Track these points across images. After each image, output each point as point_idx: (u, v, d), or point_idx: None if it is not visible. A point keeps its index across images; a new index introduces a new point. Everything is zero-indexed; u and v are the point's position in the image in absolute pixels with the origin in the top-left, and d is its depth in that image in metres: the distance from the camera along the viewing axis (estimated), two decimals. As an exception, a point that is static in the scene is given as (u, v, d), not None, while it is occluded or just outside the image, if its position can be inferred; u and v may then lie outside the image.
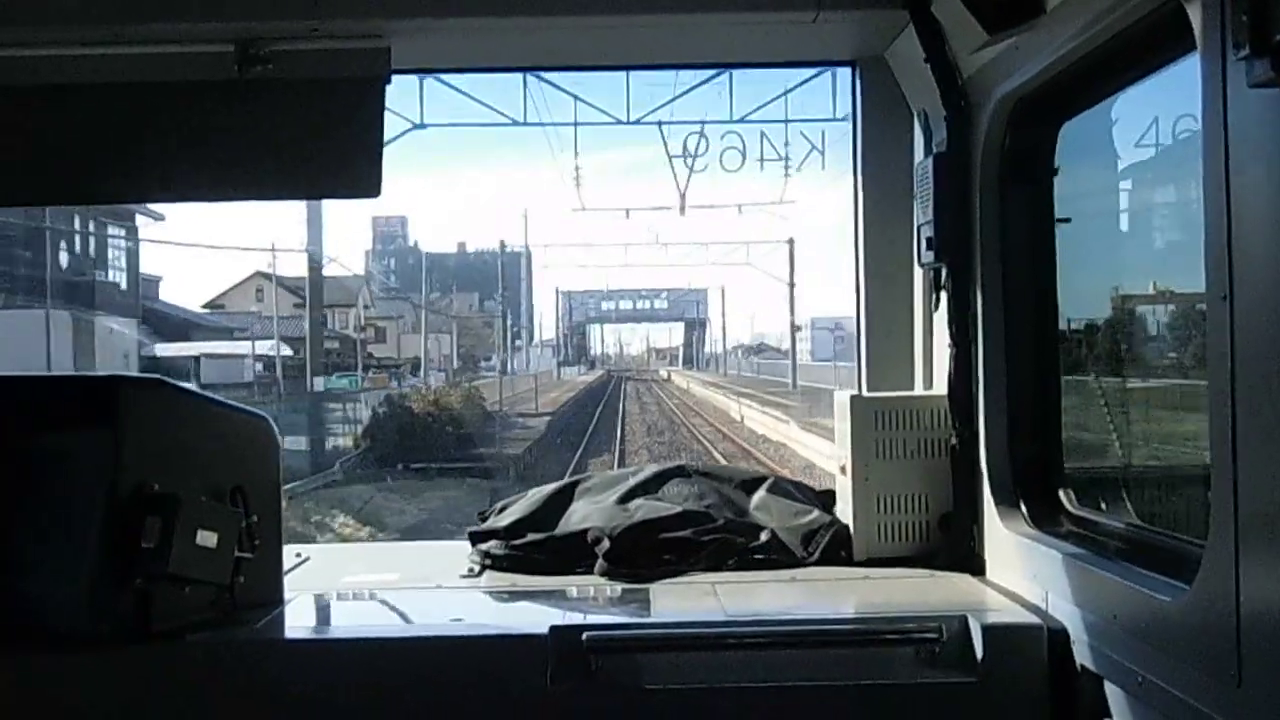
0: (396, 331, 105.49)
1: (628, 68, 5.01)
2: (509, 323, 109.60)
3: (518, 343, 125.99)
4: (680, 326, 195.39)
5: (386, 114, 4.18)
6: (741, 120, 36.22)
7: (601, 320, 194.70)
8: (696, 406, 73.83)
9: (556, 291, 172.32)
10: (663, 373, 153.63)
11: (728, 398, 72.61)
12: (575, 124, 39.96)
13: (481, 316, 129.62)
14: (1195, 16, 2.57)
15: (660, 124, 36.44)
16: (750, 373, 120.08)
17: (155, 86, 4.13)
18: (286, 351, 58.66)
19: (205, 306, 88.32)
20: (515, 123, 35.51)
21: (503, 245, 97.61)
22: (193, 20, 3.99)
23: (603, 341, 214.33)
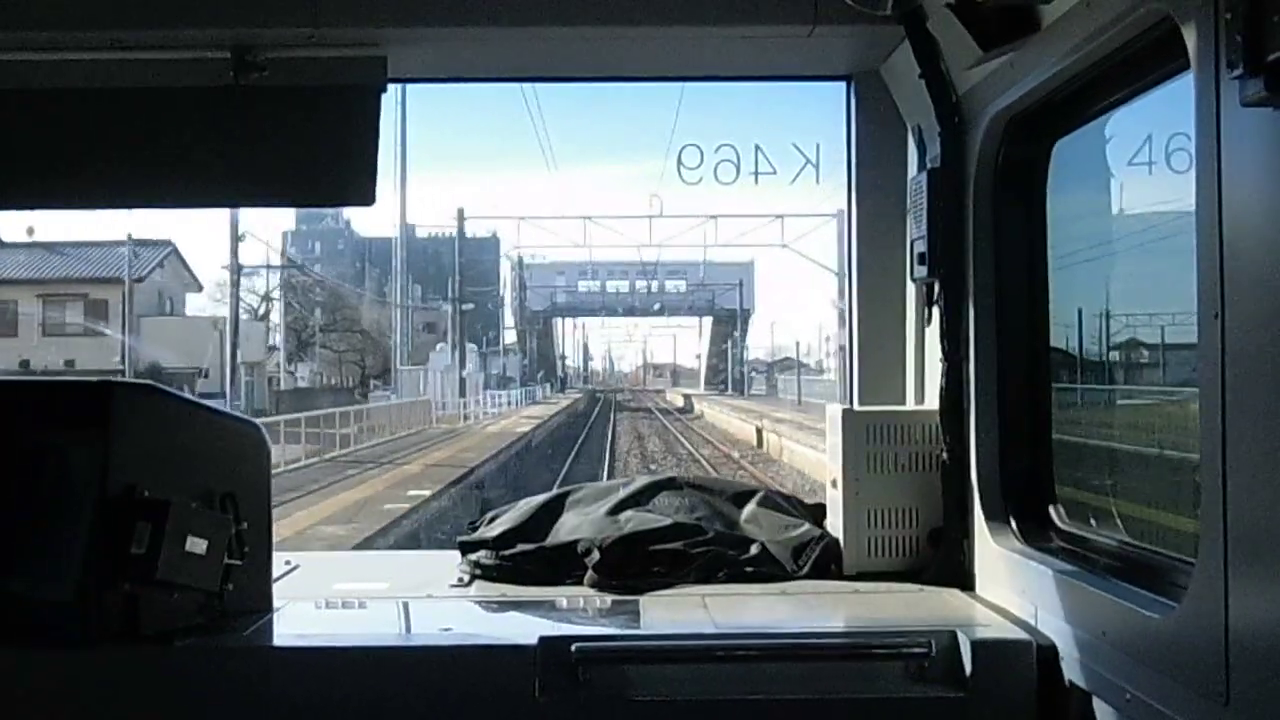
0: (128, 310, 52.72)
1: (624, 79, 5.02)
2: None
3: (440, 346, 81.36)
4: (701, 325, 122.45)
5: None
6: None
7: (577, 311, 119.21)
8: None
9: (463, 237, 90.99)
10: (670, 397, 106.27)
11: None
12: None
13: (385, 308, 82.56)
14: (1190, 35, 2.59)
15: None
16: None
17: (150, 92, 4.14)
18: None
19: None
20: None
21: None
22: (189, 26, 4.00)
23: (584, 348, 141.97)
